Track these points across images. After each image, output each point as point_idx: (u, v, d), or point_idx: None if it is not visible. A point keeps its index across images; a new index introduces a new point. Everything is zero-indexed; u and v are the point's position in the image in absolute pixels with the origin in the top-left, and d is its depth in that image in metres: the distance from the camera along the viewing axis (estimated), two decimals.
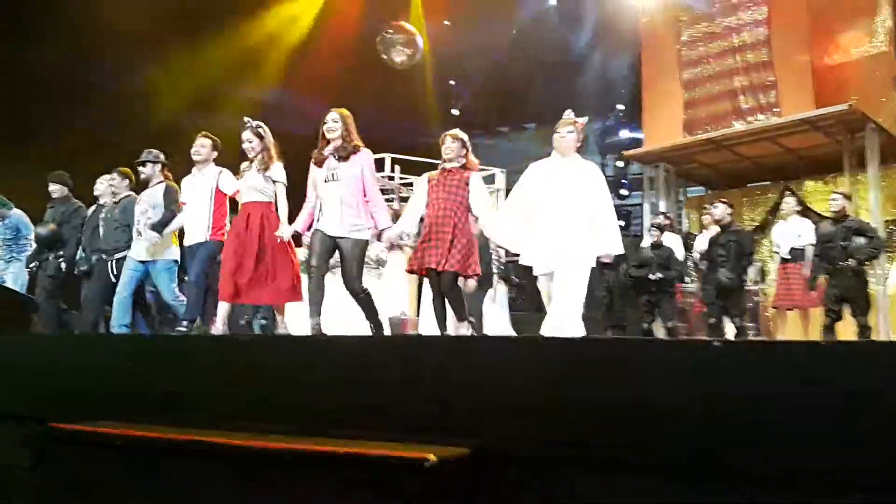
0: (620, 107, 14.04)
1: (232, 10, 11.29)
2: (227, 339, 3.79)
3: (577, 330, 4.20)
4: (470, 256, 4.54)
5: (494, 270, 6.73)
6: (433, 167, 5.03)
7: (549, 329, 4.18)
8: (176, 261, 5.42)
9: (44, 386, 3.09)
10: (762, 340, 6.40)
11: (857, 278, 6.28)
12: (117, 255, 5.57)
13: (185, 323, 4.95)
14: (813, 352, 2.05)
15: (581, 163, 4.51)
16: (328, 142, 4.59)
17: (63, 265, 6.21)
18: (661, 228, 7.53)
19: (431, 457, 1.97)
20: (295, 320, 5.14)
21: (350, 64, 11.55)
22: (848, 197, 6.92)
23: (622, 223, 8.44)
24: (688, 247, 8.03)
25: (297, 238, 4.91)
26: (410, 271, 4.88)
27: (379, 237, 4.68)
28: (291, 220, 4.72)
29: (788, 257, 7.19)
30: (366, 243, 4.61)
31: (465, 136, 4.80)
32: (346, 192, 4.50)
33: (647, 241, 7.68)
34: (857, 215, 7.91)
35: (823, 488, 1.79)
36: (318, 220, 4.57)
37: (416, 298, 7.78)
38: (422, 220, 4.71)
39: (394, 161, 10.74)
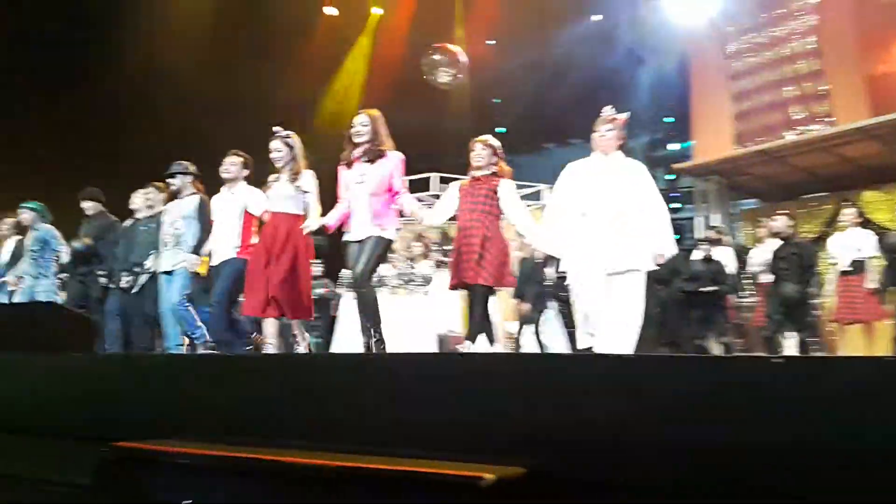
0: (668, 120, 13.88)
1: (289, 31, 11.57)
2: (284, 357, 3.84)
3: (629, 344, 3.97)
4: (503, 268, 4.36)
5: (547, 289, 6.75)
6: None
7: (603, 342, 3.93)
8: (198, 273, 5.29)
9: (106, 405, 3.18)
10: (825, 356, 6.20)
11: None
12: (146, 270, 5.58)
13: (206, 343, 4.87)
14: (881, 367, 1.97)
15: (625, 161, 4.25)
16: (356, 144, 4.49)
17: (102, 281, 6.15)
18: (711, 242, 7.40)
19: (489, 476, 1.96)
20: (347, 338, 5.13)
21: (395, 83, 11.72)
22: None
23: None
24: (742, 260, 7.87)
25: (319, 233, 4.76)
26: (453, 288, 4.73)
27: (400, 214, 4.55)
28: None
29: (849, 269, 6.96)
30: (389, 242, 4.48)
31: (496, 143, 4.61)
32: (375, 194, 4.40)
33: (697, 255, 7.55)
34: None
35: None
36: (349, 227, 4.49)
37: (465, 315, 7.78)
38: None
39: (441, 180, 10.82)
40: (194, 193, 5.44)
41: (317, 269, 9.69)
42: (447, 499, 2.08)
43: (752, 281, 7.57)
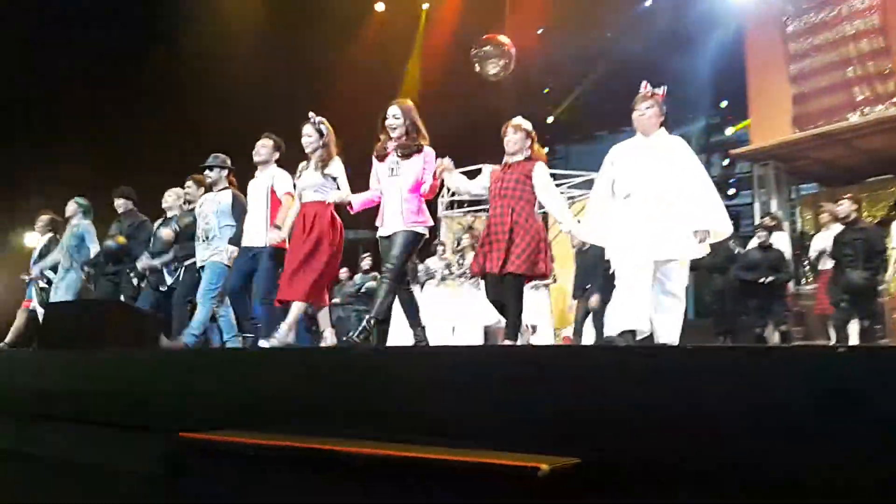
0: (724, 104, 13.55)
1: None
2: (344, 350, 3.92)
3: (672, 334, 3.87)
4: (537, 255, 4.14)
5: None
6: None
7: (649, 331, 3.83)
8: (230, 266, 5.31)
9: (175, 398, 3.30)
10: (891, 346, 6.00)
11: None
12: (187, 262, 5.68)
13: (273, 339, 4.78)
14: None
15: (668, 139, 4.08)
16: (390, 137, 4.46)
17: (135, 280, 6.22)
18: (768, 229, 7.22)
19: (544, 466, 1.97)
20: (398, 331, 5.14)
21: (445, 75, 11.75)
22: None
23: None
24: (801, 247, 7.67)
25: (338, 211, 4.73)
26: (475, 275, 4.57)
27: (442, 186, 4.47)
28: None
29: None
30: (420, 237, 4.43)
31: (528, 126, 4.43)
32: (407, 188, 4.38)
33: (753, 243, 7.38)
34: None
35: None
36: (382, 222, 4.47)
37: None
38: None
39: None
40: (227, 188, 5.53)
41: (366, 262, 9.83)
42: (503, 488, 2.11)
43: (811, 268, 7.36)
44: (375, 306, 4.34)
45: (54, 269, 7.13)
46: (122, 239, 6.42)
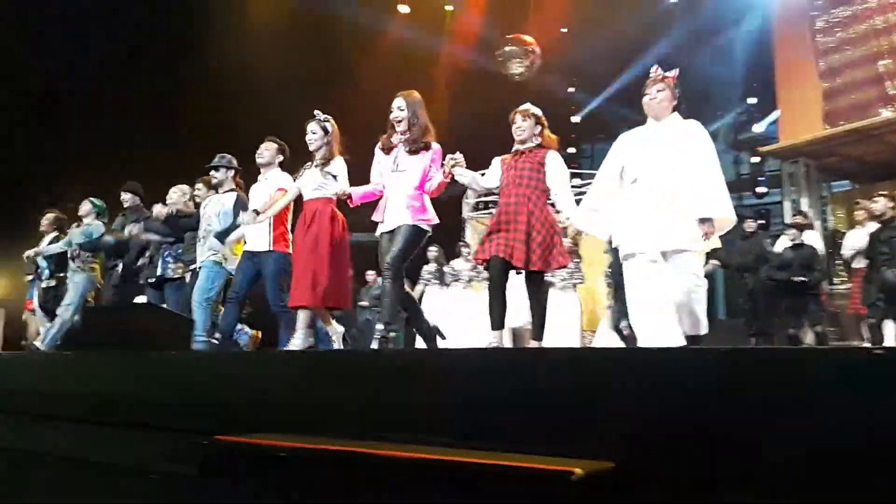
0: (752, 100, 13.40)
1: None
2: (376, 353, 3.93)
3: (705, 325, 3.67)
4: (553, 248, 4.01)
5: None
6: None
7: (649, 330, 3.56)
8: (230, 273, 5.32)
9: (208, 400, 3.34)
10: None
11: None
12: (192, 266, 5.69)
13: (297, 343, 4.75)
14: None
15: (681, 124, 3.82)
16: (396, 130, 4.35)
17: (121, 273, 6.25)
18: (800, 228, 7.12)
19: (578, 470, 1.96)
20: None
21: (468, 75, 11.75)
22: None
23: (762, 222, 8.01)
24: (833, 245, 7.55)
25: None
26: (479, 262, 4.33)
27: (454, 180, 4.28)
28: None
29: None
30: (424, 233, 4.29)
31: (538, 111, 4.25)
32: (412, 184, 4.28)
33: (784, 242, 7.28)
34: None
35: None
36: (383, 217, 4.35)
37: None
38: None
39: None
40: (232, 189, 5.54)
41: None
42: (535, 493, 2.10)
43: (845, 266, 7.24)
44: (382, 313, 4.23)
45: (55, 268, 7.15)
46: (121, 234, 6.41)
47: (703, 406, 2.10)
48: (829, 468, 1.85)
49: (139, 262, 6.27)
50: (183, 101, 10.79)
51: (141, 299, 6.12)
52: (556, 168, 4.13)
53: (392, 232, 4.28)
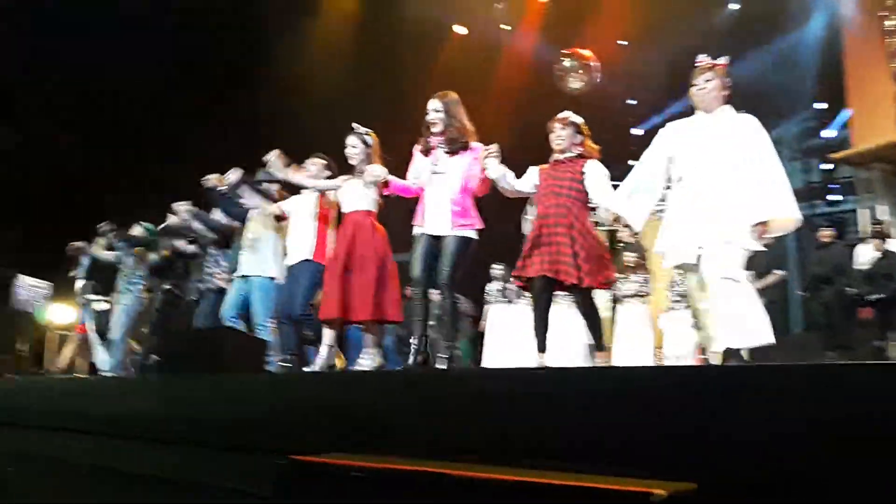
0: (821, 106, 12.94)
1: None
2: (446, 371, 3.92)
3: (764, 335, 3.32)
4: (600, 262, 3.82)
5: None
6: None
7: (722, 341, 3.32)
8: (274, 278, 5.34)
9: (283, 420, 3.39)
10: None
11: None
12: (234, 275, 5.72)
13: (287, 358, 4.78)
14: None
15: (733, 117, 3.52)
16: (433, 133, 4.26)
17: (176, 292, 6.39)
18: (882, 237, 6.84)
19: (660, 491, 1.91)
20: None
21: (526, 90, 11.73)
22: None
23: (836, 232, 7.71)
24: None
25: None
26: (516, 277, 4.12)
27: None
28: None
29: None
30: (470, 242, 4.18)
31: (578, 120, 4.10)
32: (454, 187, 4.15)
33: (865, 252, 6.98)
34: None
35: None
36: (423, 221, 4.23)
37: (609, 326, 7.61)
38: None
39: None
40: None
41: None
42: None
43: None
44: (445, 332, 4.16)
45: (100, 289, 7.28)
46: (167, 253, 6.50)
47: (790, 422, 2.02)
48: None
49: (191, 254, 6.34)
50: (236, 119, 11.10)
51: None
52: (596, 175, 3.95)
53: (438, 239, 4.17)
